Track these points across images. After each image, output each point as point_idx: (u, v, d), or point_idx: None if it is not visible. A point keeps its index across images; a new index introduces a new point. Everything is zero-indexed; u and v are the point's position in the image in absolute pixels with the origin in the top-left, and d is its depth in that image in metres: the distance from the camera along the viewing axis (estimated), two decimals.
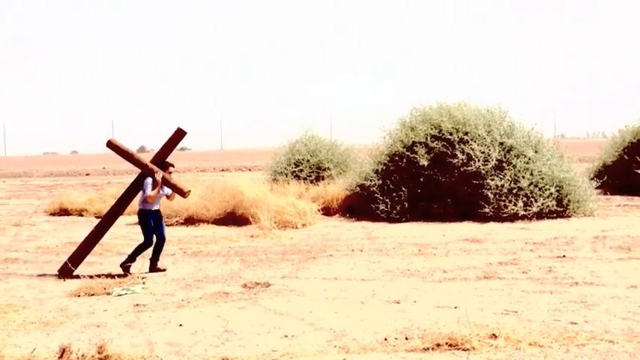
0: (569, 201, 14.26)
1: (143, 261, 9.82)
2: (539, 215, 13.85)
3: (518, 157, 14.42)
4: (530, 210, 13.66)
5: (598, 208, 15.00)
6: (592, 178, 16.39)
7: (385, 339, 5.79)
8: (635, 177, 19.25)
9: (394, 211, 14.43)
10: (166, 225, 14.04)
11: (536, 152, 14.69)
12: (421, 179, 14.74)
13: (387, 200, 14.57)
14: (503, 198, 13.84)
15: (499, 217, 13.69)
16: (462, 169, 14.35)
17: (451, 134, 14.86)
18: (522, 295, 7.38)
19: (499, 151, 14.42)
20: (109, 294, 7.88)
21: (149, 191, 8.90)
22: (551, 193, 13.97)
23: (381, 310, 6.85)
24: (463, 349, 5.38)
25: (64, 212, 17.64)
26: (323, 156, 19.90)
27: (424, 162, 14.61)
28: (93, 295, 7.85)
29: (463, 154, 14.40)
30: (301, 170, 19.40)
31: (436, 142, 14.86)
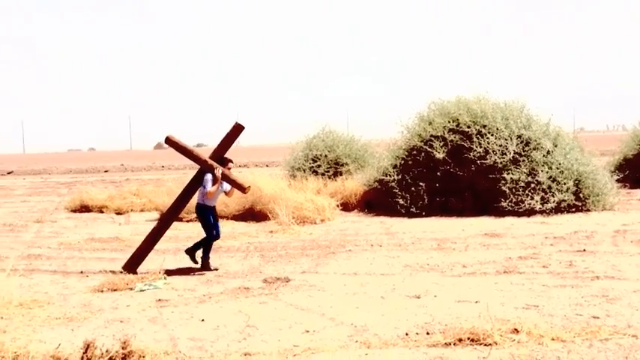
0: (588, 195, 14.15)
1: (164, 257, 9.92)
2: (558, 209, 13.75)
3: (536, 149, 14.33)
4: (548, 205, 13.56)
5: (618, 202, 14.87)
6: (612, 172, 16.23)
7: (406, 334, 5.80)
8: None
9: (413, 206, 14.41)
10: (184, 221, 14.24)
11: (555, 145, 14.59)
12: (439, 173, 14.70)
13: (406, 195, 14.56)
14: (521, 192, 13.77)
15: (517, 211, 13.61)
16: (479, 163, 14.29)
17: (469, 127, 14.80)
18: (543, 289, 7.35)
19: (517, 144, 14.35)
20: (131, 289, 7.96)
21: (209, 187, 8.87)
22: (569, 187, 13.87)
23: (402, 305, 6.86)
24: (485, 344, 5.37)
25: (84, 209, 17.81)
26: (341, 151, 19.87)
27: (440, 155, 14.56)
28: (116, 290, 7.94)
29: (480, 148, 14.34)
30: (319, 166, 19.38)
31: (454, 135, 14.81)
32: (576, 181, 14.13)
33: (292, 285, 8.02)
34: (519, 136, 14.55)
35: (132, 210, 17.21)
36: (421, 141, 15.33)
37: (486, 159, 14.20)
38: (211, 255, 9.96)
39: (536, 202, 13.54)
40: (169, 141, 9.25)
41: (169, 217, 9.45)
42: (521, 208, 13.59)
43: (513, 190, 13.83)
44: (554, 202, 13.61)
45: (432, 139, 15.04)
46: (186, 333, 6.09)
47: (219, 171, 8.83)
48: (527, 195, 13.68)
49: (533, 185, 13.84)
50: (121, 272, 8.86)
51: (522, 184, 13.85)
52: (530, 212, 13.57)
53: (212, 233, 9.16)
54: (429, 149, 14.95)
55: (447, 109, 15.47)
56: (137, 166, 47.04)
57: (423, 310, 6.63)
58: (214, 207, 9.28)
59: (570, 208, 13.91)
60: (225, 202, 14.40)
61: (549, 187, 13.83)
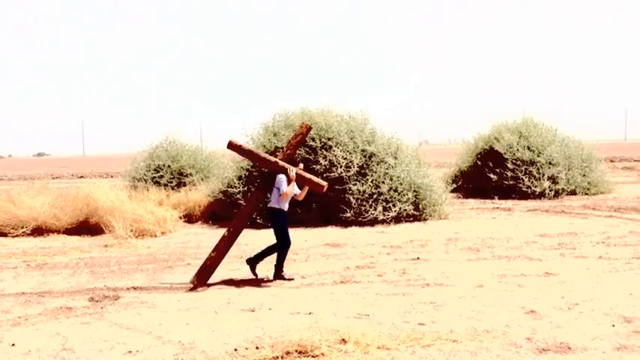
0: (425, 205, 14.81)
1: None
2: (398, 219, 14.27)
3: (378, 163, 14.78)
4: (389, 214, 14.03)
5: (453, 212, 15.70)
6: (449, 183, 17.14)
7: (235, 349, 5.60)
8: (487, 181, 20.41)
9: (258, 218, 14.28)
10: (11, 236, 13.12)
11: (395, 159, 15.13)
12: None
13: None
14: (365, 203, 14.12)
15: (360, 221, 13.95)
16: (324, 175, 14.47)
17: (314, 140, 14.97)
18: (376, 298, 7.47)
19: (361, 158, 14.71)
20: None
21: (284, 187, 8.26)
22: (409, 198, 14.44)
23: (235, 320, 6.65)
24: (313, 356, 5.30)
25: None
26: (185, 161, 19.38)
27: None
28: None
29: (326, 160, 14.54)
30: (162, 176, 18.80)
31: (299, 147, 14.89)
32: (415, 192, 14.74)
33: (121, 303, 7.53)
34: (363, 150, 14.92)
35: None
36: (266, 152, 15.26)
37: (332, 171, 14.42)
38: (34, 272, 9.23)
39: (379, 212, 13.94)
40: (232, 145, 8.61)
41: (239, 225, 8.65)
42: (365, 218, 13.94)
43: (359, 200, 14.14)
44: (395, 211, 14.09)
45: (278, 150, 15.03)
46: None
47: (293, 171, 8.31)
48: (371, 206, 14.05)
49: (375, 196, 14.24)
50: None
51: (366, 196, 14.20)
52: (373, 222, 13.96)
53: (287, 240, 8.56)
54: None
55: (291, 120, 15.56)
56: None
57: (255, 323, 6.46)
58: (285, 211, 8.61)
59: (409, 218, 14.48)
60: (57, 214, 13.47)
61: (391, 198, 14.30)
